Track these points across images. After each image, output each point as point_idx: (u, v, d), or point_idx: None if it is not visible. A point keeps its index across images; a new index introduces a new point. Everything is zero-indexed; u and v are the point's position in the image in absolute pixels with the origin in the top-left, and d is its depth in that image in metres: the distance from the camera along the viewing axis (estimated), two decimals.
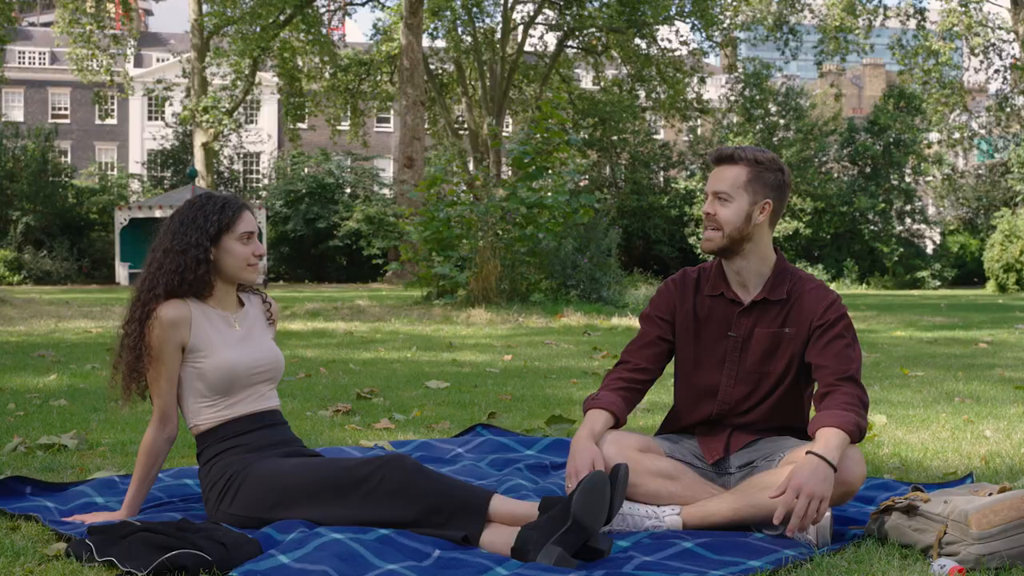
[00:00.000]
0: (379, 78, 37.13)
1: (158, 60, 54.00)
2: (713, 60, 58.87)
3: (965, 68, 39.05)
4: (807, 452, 2.62)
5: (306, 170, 40.15)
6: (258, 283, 3.12)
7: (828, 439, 2.64)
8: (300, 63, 34.28)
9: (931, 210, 39.50)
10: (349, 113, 37.04)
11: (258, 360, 2.93)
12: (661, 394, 5.53)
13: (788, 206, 34.73)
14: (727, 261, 2.94)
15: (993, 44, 33.89)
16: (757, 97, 36.68)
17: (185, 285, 2.87)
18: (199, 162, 32.77)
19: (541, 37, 37.66)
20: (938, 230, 39.21)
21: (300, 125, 38.64)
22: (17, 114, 49.30)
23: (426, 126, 35.37)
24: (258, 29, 31.00)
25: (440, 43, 36.45)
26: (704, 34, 33.92)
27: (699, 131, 40.39)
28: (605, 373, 3.10)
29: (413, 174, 25.69)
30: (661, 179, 39.82)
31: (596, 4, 33.40)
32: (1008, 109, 35.22)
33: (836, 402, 2.73)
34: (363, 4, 35.11)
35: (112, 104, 41.28)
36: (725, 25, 34.55)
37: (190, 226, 2.89)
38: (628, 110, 36.34)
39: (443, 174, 16.05)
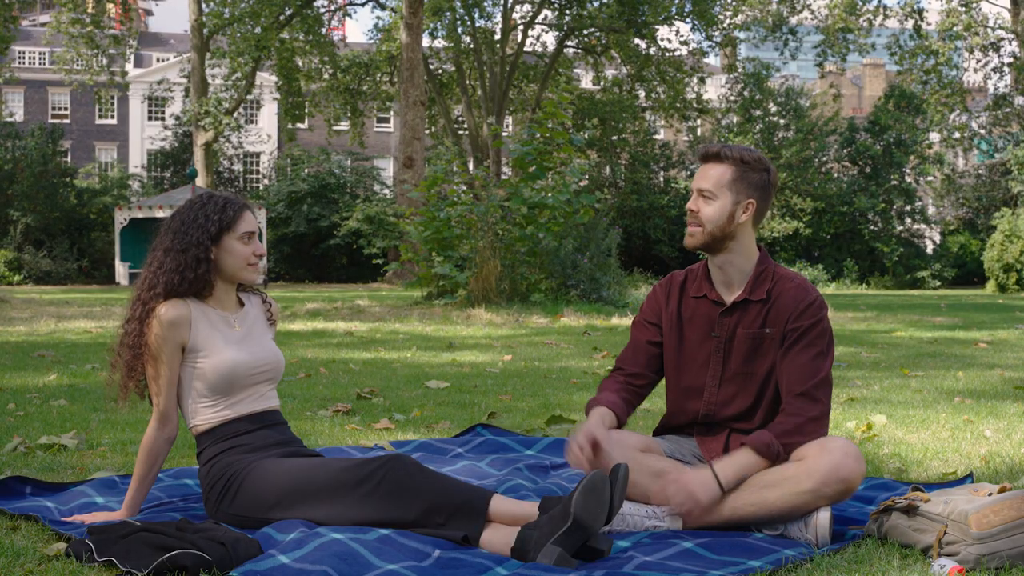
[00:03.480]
0: (379, 78, 37.14)
1: (158, 60, 54.00)
2: (713, 60, 58.86)
3: (965, 68, 39.05)
4: (712, 462, 2.76)
5: (307, 171, 40.17)
6: (258, 283, 3.12)
7: (736, 460, 2.74)
8: (300, 63, 34.30)
9: (931, 210, 39.51)
10: (349, 113, 37.08)
11: (258, 360, 2.93)
12: (662, 394, 5.53)
13: (788, 206, 34.76)
14: (711, 258, 2.97)
15: (992, 43, 33.89)
16: (757, 97, 36.68)
17: (185, 284, 2.87)
18: (199, 162, 32.78)
19: (539, 38, 37.68)
20: (938, 230, 39.21)
21: (299, 125, 38.64)
22: (17, 114, 49.30)
23: (426, 126, 35.37)
24: (259, 29, 31.01)
25: (440, 43, 36.48)
26: (704, 34, 33.93)
27: (699, 131, 40.39)
28: (605, 375, 3.13)
29: (413, 174, 25.68)
30: (661, 179, 39.85)
31: (596, 4, 33.41)
32: (1008, 108, 35.21)
33: (776, 422, 2.79)
34: (363, 4, 35.14)
35: (112, 104, 41.26)
36: (725, 25, 34.56)
37: (191, 225, 2.89)
38: (628, 110, 36.34)
39: (443, 174, 16.05)
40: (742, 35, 37.08)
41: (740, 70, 37.47)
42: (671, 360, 3.01)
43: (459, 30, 34.72)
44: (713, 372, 2.93)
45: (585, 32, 35.05)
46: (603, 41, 35.20)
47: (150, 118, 50.63)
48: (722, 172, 2.89)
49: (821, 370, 2.81)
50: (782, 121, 36.80)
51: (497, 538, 2.55)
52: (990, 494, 2.55)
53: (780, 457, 2.73)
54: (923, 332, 10.72)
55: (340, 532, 2.52)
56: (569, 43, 36.04)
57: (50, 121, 47.57)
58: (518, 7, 36.23)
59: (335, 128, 38.07)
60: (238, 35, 31.60)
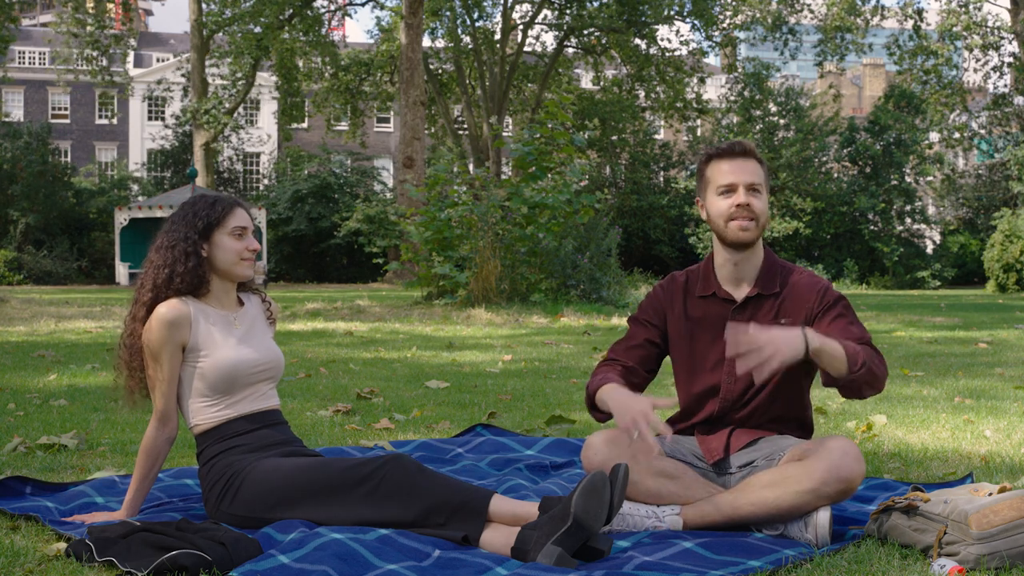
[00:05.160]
0: (379, 78, 37.16)
1: (158, 60, 54.02)
2: (713, 60, 58.83)
3: (964, 68, 39.08)
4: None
5: (307, 171, 40.19)
6: (258, 283, 3.12)
7: (827, 336, 2.68)
8: (300, 64, 34.32)
9: (931, 210, 39.51)
10: (349, 113, 37.11)
11: (259, 359, 2.93)
12: (660, 393, 5.53)
13: (788, 206, 34.80)
14: (740, 254, 2.93)
15: (992, 43, 33.90)
16: (757, 97, 36.68)
17: (177, 279, 2.88)
18: (199, 162, 32.79)
19: (538, 37, 37.71)
20: (938, 230, 39.21)
21: (299, 126, 38.67)
22: (17, 114, 49.30)
23: (426, 126, 35.38)
24: (259, 29, 31.01)
25: (440, 43, 36.50)
26: (704, 34, 33.96)
27: (699, 131, 40.41)
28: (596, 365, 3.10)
29: (413, 174, 25.68)
30: (661, 179, 39.87)
31: (596, 4, 33.42)
32: (1008, 108, 35.23)
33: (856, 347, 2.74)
34: (363, 4, 35.16)
35: (114, 103, 41.28)
36: (725, 25, 34.57)
37: (180, 223, 2.92)
38: (628, 110, 36.37)
39: (444, 174, 16.05)
40: (742, 35, 37.10)
41: (740, 70, 37.48)
42: (683, 361, 2.99)
43: (459, 30, 34.74)
44: (728, 370, 2.92)
45: (585, 32, 35.07)
46: (603, 41, 35.21)
47: (150, 118, 50.63)
48: (758, 167, 2.93)
49: (864, 332, 2.83)
50: (782, 121, 36.81)
51: (497, 538, 2.55)
52: (990, 494, 2.55)
53: (859, 369, 2.68)
54: (923, 332, 10.72)
55: (340, 532, 2.52)
56: (569, 43, 36.05)
57: (50, 121, 47.55)
58: (518, 7, 36.28)
59: (335, 128, 38.06)
60: (238, 35, 31.61)
